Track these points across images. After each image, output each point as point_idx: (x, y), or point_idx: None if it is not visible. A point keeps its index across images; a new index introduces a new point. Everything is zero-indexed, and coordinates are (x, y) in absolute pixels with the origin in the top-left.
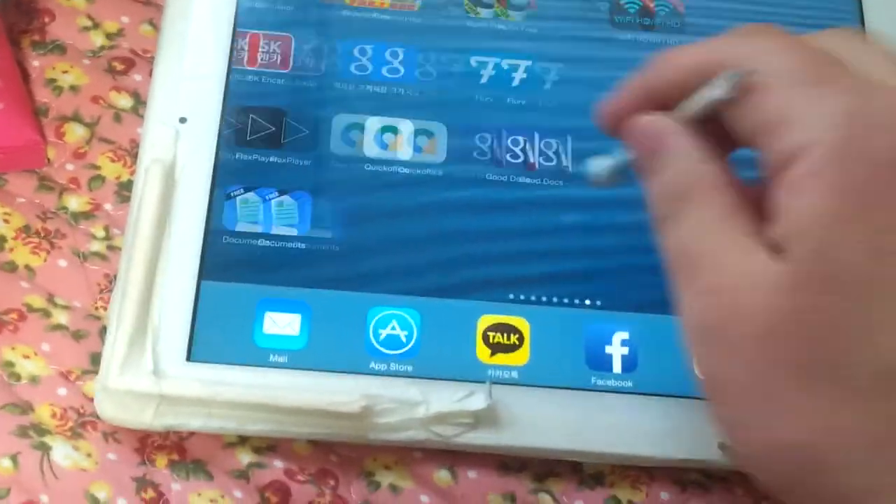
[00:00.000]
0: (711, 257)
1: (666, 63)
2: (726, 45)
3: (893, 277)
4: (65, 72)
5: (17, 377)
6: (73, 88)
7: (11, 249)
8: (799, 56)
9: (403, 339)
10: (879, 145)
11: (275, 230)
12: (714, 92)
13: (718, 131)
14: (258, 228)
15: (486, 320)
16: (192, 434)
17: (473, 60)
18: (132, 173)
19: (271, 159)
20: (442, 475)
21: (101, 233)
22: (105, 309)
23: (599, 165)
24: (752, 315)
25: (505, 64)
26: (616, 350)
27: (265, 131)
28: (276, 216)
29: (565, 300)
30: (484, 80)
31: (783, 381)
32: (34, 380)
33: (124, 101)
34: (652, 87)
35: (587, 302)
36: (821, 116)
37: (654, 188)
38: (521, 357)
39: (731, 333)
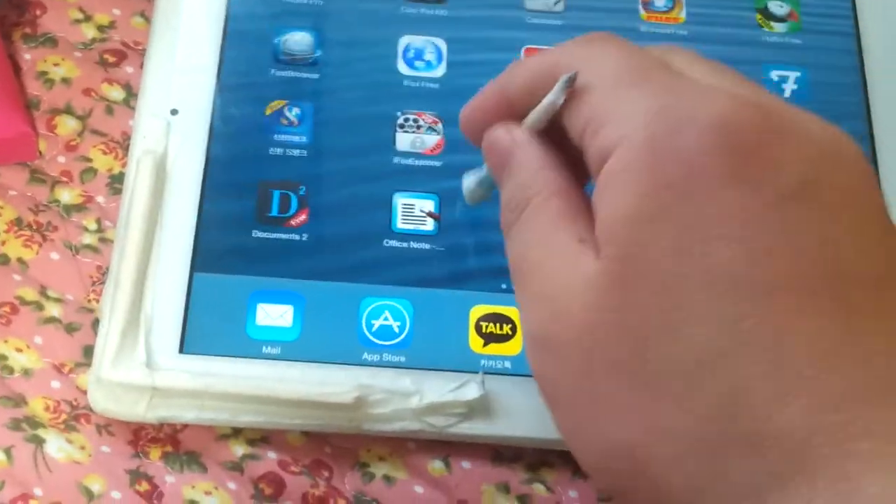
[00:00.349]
0: (541, 265)
1: (516, 69)
2: (565, 51)
3: (698, 272)
4: (56, 64)
5: (10, 370)
6: (65, 81)
7: (3, 242)
8: (625, 61)
9: (396, 330)
10: (685, 141)
11: (268, 221)
12: (550, 97)
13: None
14: (251, 219)
15: (478, 310)
16: (185, 426)
17: None
18: (124, 165)
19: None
20: (436, 465)
21: (93, 225)
22: (98, 301)
23: (467, 181)
24: (572, 318)
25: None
26: None
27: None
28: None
29: None
30: None
31: (605, 383)
32: (27, 373)
33: (116, 94)
34: (506, 93)
35: None
36: (633, 114)
37: (502, 198)
38: (513, 347)
39: (556, 338)
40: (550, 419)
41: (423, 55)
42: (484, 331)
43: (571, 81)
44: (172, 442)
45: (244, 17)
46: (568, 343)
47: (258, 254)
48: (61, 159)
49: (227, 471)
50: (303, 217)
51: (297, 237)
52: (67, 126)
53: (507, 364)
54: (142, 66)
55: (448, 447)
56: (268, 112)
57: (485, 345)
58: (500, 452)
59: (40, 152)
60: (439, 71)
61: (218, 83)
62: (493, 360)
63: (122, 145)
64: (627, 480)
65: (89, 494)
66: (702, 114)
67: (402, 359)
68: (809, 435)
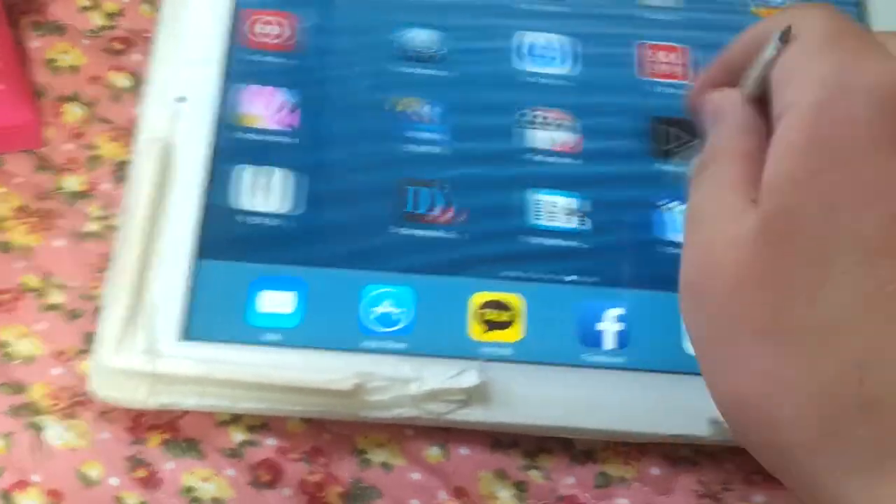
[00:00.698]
0: (709, 217)
1: (736, 37)
2: (782, 14)
3: (846, 234)
4: (64, 52)
5: (11, 357)
6: (73, 69)
7: (9, 229)
8: (827, 25)
9: (397, 317)
10: (849, 106)
11: (272, 209)
12: (765, 54)
13: None
14: (255, 207)
15: (479, 297)
16: (185, 413)
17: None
18: (130, 153)
19: (269, 138)
20: (433, 452)
21: (98, 212)
22: (100, 289)
23: (694, 160)
24: (723, 269)
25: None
26: (608, 326)
27: (266, 110)
28: (273, 195)
29: (558, 277)
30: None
31: (744, 335)
32: (29, 359)
33: (123, 81)
34: (727, 63)
35: (580, 279)
36: (811, 76)
37: (707, 143)
38: (514, 334)
39: (706, 287)
40: (549, 407)
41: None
42: (485, 318)
43: (785, 36)
44: (171, 429)
45: (253, 2)
46: (715, 292)
47: (261, 241)
48: (68, 147)
49: (226, 457)
50: (304, 206)
51: (299, 224)
52: (74, 114)
53: (508, 351)
54: (149, 53)
55: (446, 434)
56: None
57: (485, 332)
58: (498, 439)
59: (46, 140)
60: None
61: (225, 71)
62: (493, 348)
63: (128, 133)
64: (753, 429)
65: (87, 481)
66: (870, 81)
67: (403, 346)
68: None
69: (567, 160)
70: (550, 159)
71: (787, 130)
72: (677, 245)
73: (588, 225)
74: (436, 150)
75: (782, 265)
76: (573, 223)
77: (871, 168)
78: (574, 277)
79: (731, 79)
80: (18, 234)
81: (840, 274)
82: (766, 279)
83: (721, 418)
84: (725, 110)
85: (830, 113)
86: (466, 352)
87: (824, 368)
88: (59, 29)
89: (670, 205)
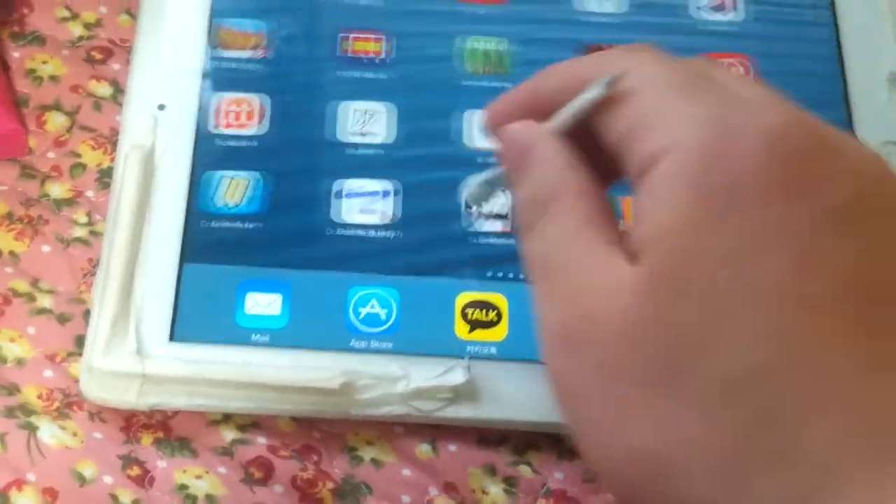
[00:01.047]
0: (568, 265)
1: (550, 72)
2: (606, 58)
3: (743, 284)
4: (44, 62)
5: (4, 360)
6: (53, 78)
7: None
8: (671, 68)
9: (383, 317)
10: (737, 151)
11: (253, 213)
12: (588, 94)
13: (599, 156)
14: (237, 211)
15: (464, 297)
16: (176, 413)
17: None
18: (113, 160)
19: (247, 144)
20: (423, 449)
21: (83, 219)
22: (89, 293)
23: (473, 180)
24: (605, 320)
25: (475, 45)
26: None
27: (243, 117)
28: (254, 200)
29: None
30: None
31: (634, 389)
32: (20, 362)
33: (104, 90)
34: (535, 94)
35: None
36: (685, 119)
37: (519, 195)
38: (499, 333)
39: (584, 339)
40: (536, 403)
41: None
42: (470, 317)
43: (614, 82)
44: (164, 428)
45: (230, 11)
46: (594, 346)
47: (246, 244)
48: (51, 155)
49: (218, 456)
50: (285, 209)
51: (284, 227)
52: (56, 122)
53: (493, 350)
54: (128, 62)
55: (435, 431)
56: None
57: (470, 331)
58: (486, 436)
59: (30, 148)
60: None
61: (204, 78)
62: (479, 346)
63: (110, 140)
64: (645, 488)
65: (82, 479)
66: (754, 125)
67: (390, 345)
68: (843, 454)
69: None
70: None
71: (668, 175)
72: None
73: None
74: (414, 153)
75: (675, 316)
76: None
77: (764, 215)
78: None
79: (533, 111)
80: (5, 241)
81: (740, 324)
82: (656, 331)
83: None
84: (538, 146)
85: (717, 159)
86: (453, 350)
87: (728, 421)
88: (39, 39)
89: None
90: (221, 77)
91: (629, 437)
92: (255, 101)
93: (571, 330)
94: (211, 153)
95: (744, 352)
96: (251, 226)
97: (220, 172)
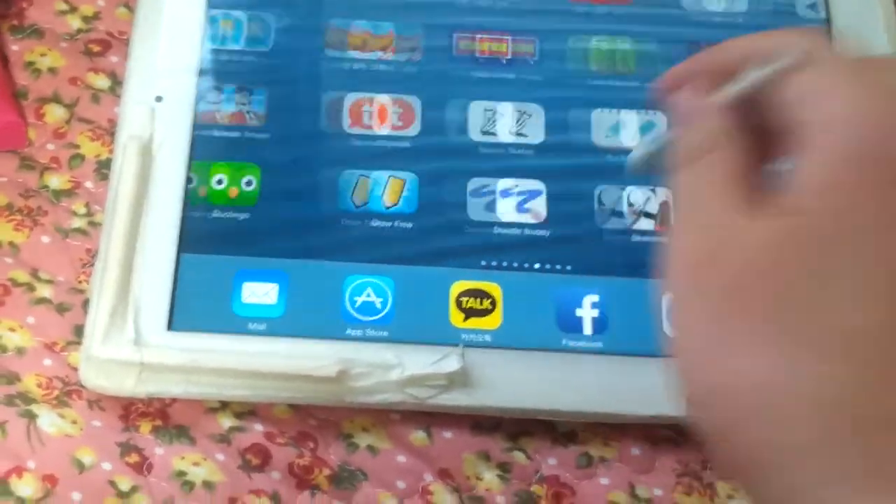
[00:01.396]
0: (709, 204)
1: (731, 43)
2: (783, 36)
3: (874, 255)
4: (43, 55)
5: (4, 349)
6: (52, 71)
7: None
8: (846, 54)
9: (379, 306)
10: None
11: (250, 204)
12: (777, 63)
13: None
14: (234, 202)
15: (459, 286)
16: (174, 401)
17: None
18: (111, 151)
19: (244, 135)
20: (418, 436)
21: (82, 209)
22: (88, 282)
23: (639, 150)
24: (740, 251)
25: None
26: (586, 312)
27: (241, 108)
28: (251, 190)
29: (536, 266)
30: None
31: (754, 319)
32: (20, 351)
33: (102, 82)
34: (710, 65)
35: (557, 267)
36: (860, 95)
37: (685, 138)
38: (493, 321)
39: (715, 266)
40: (529, 390)
41: None
42: (464, 306)
43: (802, 53)
44: (162, 416)
45: (226, 3)
46: (724, 272)
47: (243, 234)
48: (50, 146)
49: (215, 443)
50: (281, 200)
51: (280, 217)
52: (55, 114)
53: (487, 337)
54: (126, 55)
55: (430, 418)
56: None
57: (465, 319)
58: (480, 422)
59: (30, 140)
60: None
61: (201, 69)
62: (473, 334)
63: (108, 132)
64: (738, 422)
65: (81, 466)
66: None
67: (385, 333)
68: None
69: (529, 152)
70: (513, 150)
71: (837, 142)
72: (642, 233)
73: (549, 215)
74: (410, 144)
75: (817, 266)
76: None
77: None
78: (551, 266)
79: (707, 79)
80: (5, 232)
81: (875, 289)
82: (797, 277)
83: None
84: (706, 107)
85: (886, 137)
86: (447, 338)
87: (839, 378)
88: (37, 32)
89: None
90: (218, 69)
91: (740, 364)
92: (250, 94)
93: (706, 255)
94: (208, 143)
95: (872, 318)
96: (248, 216)
97: (217, 163)
